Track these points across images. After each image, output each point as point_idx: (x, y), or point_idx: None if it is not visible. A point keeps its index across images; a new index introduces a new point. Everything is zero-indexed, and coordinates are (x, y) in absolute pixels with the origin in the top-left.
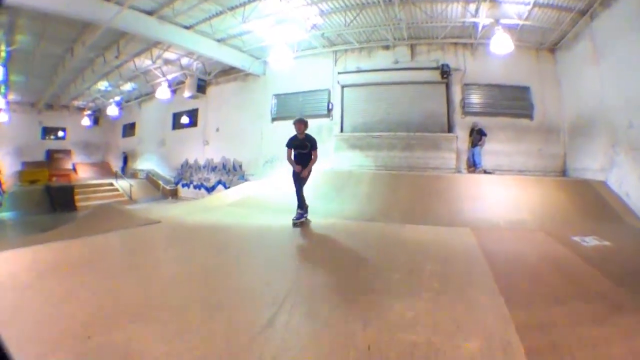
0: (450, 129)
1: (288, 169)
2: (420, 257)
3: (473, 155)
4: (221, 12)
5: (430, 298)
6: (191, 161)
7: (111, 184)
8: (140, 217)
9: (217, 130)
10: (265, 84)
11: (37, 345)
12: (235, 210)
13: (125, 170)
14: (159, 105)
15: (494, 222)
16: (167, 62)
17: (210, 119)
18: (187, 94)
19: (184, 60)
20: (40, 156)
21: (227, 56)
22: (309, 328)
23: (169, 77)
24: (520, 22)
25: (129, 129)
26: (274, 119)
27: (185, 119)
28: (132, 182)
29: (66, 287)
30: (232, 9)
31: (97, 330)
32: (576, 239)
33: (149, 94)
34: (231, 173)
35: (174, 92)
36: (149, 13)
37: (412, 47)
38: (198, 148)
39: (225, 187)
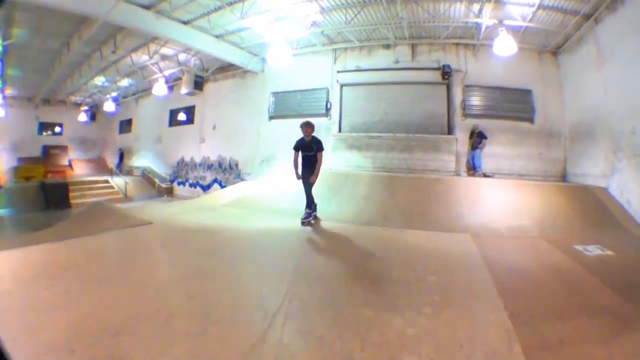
0: (450, 130)
1: (291, 169)
2: (421, 267)
3: (473, 158)
4: (219, 8)
5: (432, 313)
6: (187, 159)
7: (106, 181)
8: (132, 218)
9: (214, 127)
10: (264, 82)
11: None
12: (229, 211)
13: (121, 167)
14: (155, 102)
15: (494, 228)
16: (164, 57)
17: (207, 117)
18: (184, 90)
19: (182, 56)
20: (36, 152)
21: (225, 52)
22: (302, 346)
23: (166, 73)
24: (524, 24)
25: (126, 126)
26: (271, 117)
27: (182, 116)
28: (128, 179)
29: (52, 294)
30: (230, 4)
31: (81, 343)
32: (579, 247)
33: (146, 90)
34: (227, 172)
35: (171, 88)
36: (146, 7)
37: (413, 47)
38: (194, 146)
39: (221, 186)
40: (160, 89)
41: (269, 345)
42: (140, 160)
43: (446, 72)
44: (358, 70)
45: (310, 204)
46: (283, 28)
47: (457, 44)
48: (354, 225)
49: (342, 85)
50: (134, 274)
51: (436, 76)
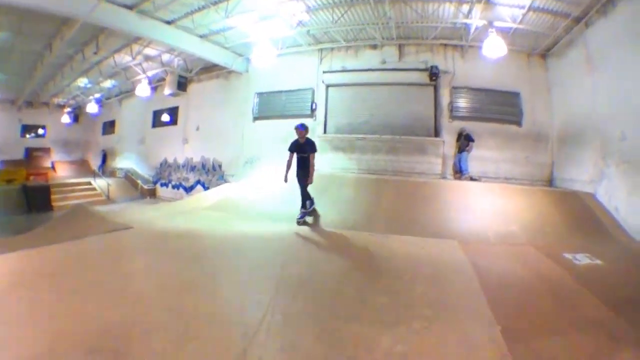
0: (437, 133)
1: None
2: (408, 276)
3: (460, 161)
4: (204, 7)
5: (422, 328)
6: (170, 160)
7: (89, 183)
8: (112, 222)
9: (198, 129)
10: (248, 82)
11: None
12: (211, 215)
13: (104, 169)
14: (139, 103)
15: (482, 234)
16: (147, 58)
17: (191, 117)
18: (167, 91)
19: (165, 57)
20: (19, 154)
21: (209, 53)
22: None
23: (150, 73)
24: (514, 26)
25: (109, 127)
26: (255, 118)
27: (165, 117)
28: (110, 181)
29: (25, 305)
30: (215, 3)
31: None
32: (568, 256)
33: (130, 91)
34: (210, 173)
35: (154, 89)
36: (129, 7)
37: (401, 47)
38: (177, 147)
39: (204, 187)
40: (143, 90)
41: None
42: (124, 162)
43: (434, 74)
44: (344, 70)
45: (305, 204)
46: (268, 27)
47: (445, 45)
48: (339, 230)
49: (327, 86)
50: (111, 284)
51: (423, 77)
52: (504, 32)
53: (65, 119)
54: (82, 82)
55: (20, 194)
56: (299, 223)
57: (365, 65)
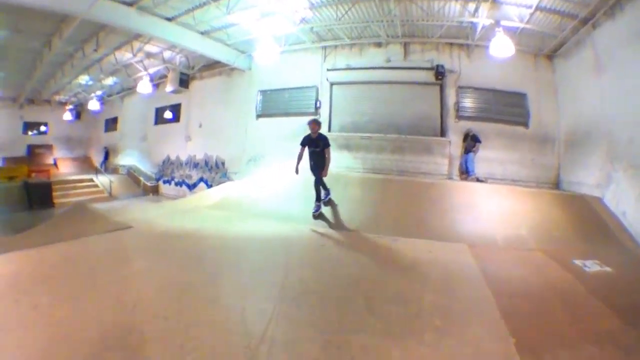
0: (443, 133)
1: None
2: (418, 283)
3: (466, 161)
4: (204, 3)
5: (433, 340)
6: (173, 157)
7: (91, 180)
8: (111, 221)
9: (200, 126)
10: (251, 80)
11: None
12: (214, 214)
13: (107, 166)
14: (141, 100)
15: (490, 237)
16: (149, 55)
17: (193, 115)
18: (169, 88)
19: (167, 54)
20: (21, 151)
21: (211, 50)
22: None
23: (151, 71)
24: (521, 25)
25: (111, 124)
26: (258, 116)
27: (168, 114)
28: (113, 178)
29: (19, 310)
30: None
31: None
32: (577, 262)
33: (131, 89)
34: (213, 170)
35: (156, 86)
36: (128, 4)
37: (406, 46)
38: (180, 144)
39: (207, 185)
40: (144, 87)
41: None
42: (126, 159)
43: (440, 73)
44: (349, 68)
45: (319, 197)
46: (271, 24)
47: (450, 44)
48: (345, 232)
49: (332, 84)
50: (109, 288)
51: (429, 76)
52: (510, 31)
53: (67, 116)
54: (83, 79)
55: (21, 191)
56: (314, 216)
57: (369, 64)
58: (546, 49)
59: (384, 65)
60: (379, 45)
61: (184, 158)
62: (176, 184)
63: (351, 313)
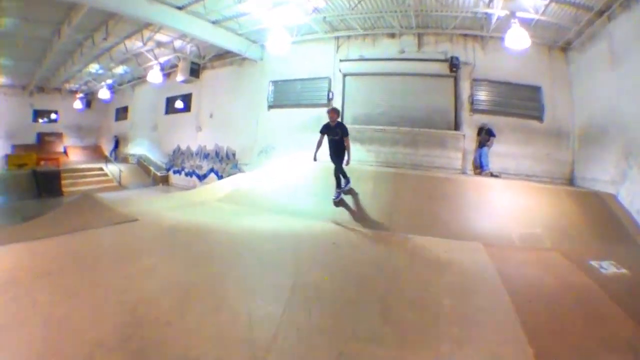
0: (457, 126)
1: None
2: (434, 287)
3: (480, 156)
4: None
5: (450, 352)
6: (183, 147)
7: (101, 169)
8: (117, 213)
9: (211, 116)
10: (263, 70)
11: None
12: (223, 207)
13: (117, 155)
14: (152, 89)
15: (506, 236)
16: (159, 44)
17: (204, 105)
18: (179, 78)
19: (177, 43)
20: (31, 139)
21: (222, 39)
22: None
23: (161, 60)
24: (536, 17)
25: (122, 113)
26: (270, 107)
27: (179, 104)
28: (123, 167)
29: (18, 307)
30: None
31: None
32: (594, 264)
33: (142, 78)
34: (224, 161)
35: (166, 75)
36: None
37: (419, 37)
38: (191, 134)
39: (218, 176)
40: (155, 76)
41: None
42: (136, 148)
43: (454, 65)
44: (362, 59)
45: (339, 184)
46: (283, 14)
47: (465, 36)
48: (358, 229)
49: (344, 75)
50: (109, 287)
51: (443, 68)
52: (525, 23)
53: (78, 104)
54: (94, 68)
55: (30, 179)
56: (335, 203)
57: (383, 55)
58: (561, 41)
59: (398, 56)
60: (392, 36)
61: (194, 148)
62: (186, 175)
63: (365, 320)
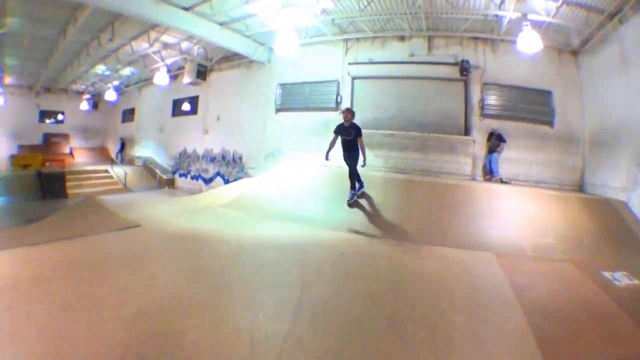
0: (467, 131)
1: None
2: (446, 302)
3: (490, 162)
4: None
5: None
6: (190, 150)
7: (106, 171)
8: (119, 219)
9: (218, 119)
10: (270, 72)
11: None
12: (228, 213)
13: (123, 157)
14: (158, 91)
15: (517, 245)
16: (166, 46)
17: (211, 107)
18: (186, 80)
19: (184, 45)
20: (37, 140)
21: (229, 41)
22: None
23: (168, 62)
24: (548, 19)
25: (129, 115)
26: (278, 110)
27: (186, 106)
28: (128, 169)
29: (9, 319)
30: None
31: None
32: (607, 275)
33: (149, 79)
34: (231, 165)
35: (173, 77)
36: None
37: (429, 40)
38: (197, 137)
39: (224, 179)
40: (161, 78)
41: None
42: (142, 150)
43: (465, 68)
44: (371, 62)
45: (354, 186)
46: (291, 15)
47: (475, 39)
48: (367, 238)
49: (353, 78)
50: (107, 298)
51: (453, 72)
52: (536, 25)
53: (84, 105)
54: (100, 69)
55: (35, 180)
56: (349, 204)
57: (392, 58)
58: (572, 44)
59: (407, 59)
60: (402, 39)
61: (200, 151)
62: (192, 178)
63: (374, 339)
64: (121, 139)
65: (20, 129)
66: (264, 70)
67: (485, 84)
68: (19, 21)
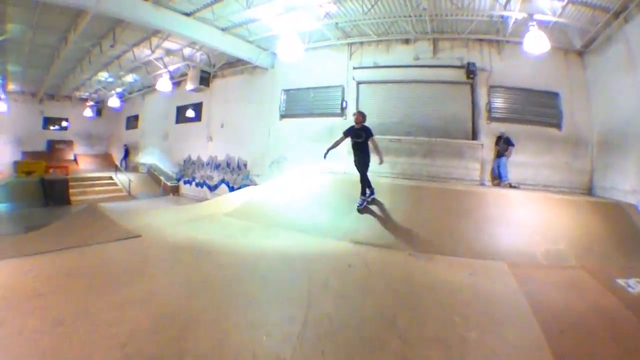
0: (474, 135)
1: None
2: (460, 317)
3: (499, 166)
4: None
5: None
6: (194, 157)
7: (110, 178)
8: (120, 228)
9: (222, 126)
10: (274, 78)
11: None
12: (232, 223)
13: (127, 164)
14: (162, 98)
15: (530, 253)
16: (168, 52)
17: (215, 114)
18: (189, 86)
19: (187, 51)
20: (41, 146)
21: (231, 47)
22: None
23: (171, 68)
24: (553, 19)
25: (132, 121)
26: (282, 116)
27: (190, 113)
28: (132, 176)
29: (2, 334)
30: None
31: None
32: (620, 282)
33: (152, 86)
34: (235, 172)
35: (176, 84)
36: None
37: (435, 43)
38: (201, 144)
39: (229, 187)
40: (164, 84)
41: None
42: (147, 157)
43: (471, 71)
44: (376, 66)
45: (364, 192)
46: (294, 20)
47: (480, 40)
48: (375, 249)
49: (358, 83)
50: (101, 315)
51: (459, 75)
52: (542, 25)
53: (88, 112)
54: (103, 76)
55: (38, 187)
56: (359, 210)
57: (397, 61)
58: (577, 44)
59: (413, 63)
60: (406, 42)
61: (205, 158)
62: (197, 185)
63: None
64: (125, 145)
65: (24, 136)
66: (267, 76)
67: (492, 86)
68: (19, 28)
